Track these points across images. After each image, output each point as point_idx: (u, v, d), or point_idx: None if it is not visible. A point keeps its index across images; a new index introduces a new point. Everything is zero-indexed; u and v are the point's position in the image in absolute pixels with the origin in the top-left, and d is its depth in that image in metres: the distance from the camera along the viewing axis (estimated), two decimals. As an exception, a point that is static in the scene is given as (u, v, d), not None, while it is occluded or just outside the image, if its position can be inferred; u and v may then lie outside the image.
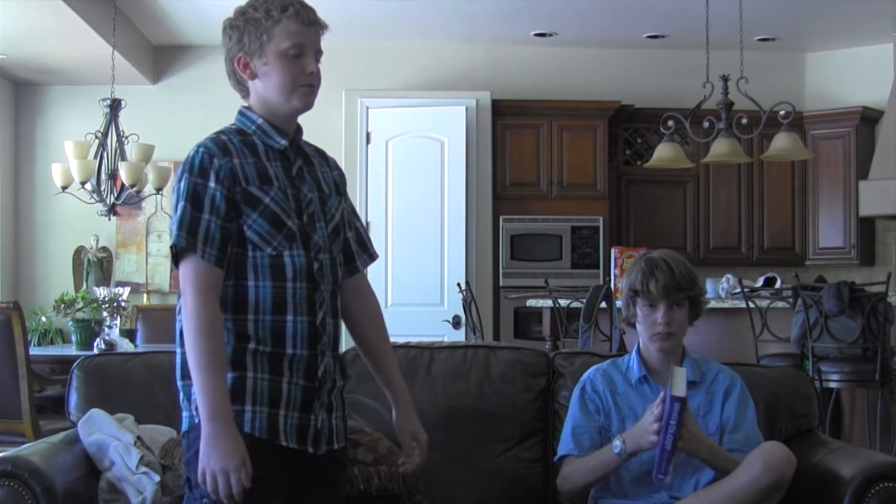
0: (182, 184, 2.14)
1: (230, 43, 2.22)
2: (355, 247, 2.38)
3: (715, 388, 2.79)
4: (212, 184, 2.12)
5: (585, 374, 2.89)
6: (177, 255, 2.13)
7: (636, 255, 2.96)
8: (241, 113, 2.27)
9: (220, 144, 2.17)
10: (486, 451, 3.06)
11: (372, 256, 2.44)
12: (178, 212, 2.13)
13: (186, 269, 2.12)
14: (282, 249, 2.16)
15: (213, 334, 2.08)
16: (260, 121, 2.23)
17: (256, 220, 2.15)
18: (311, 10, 2.23)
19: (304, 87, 2.21)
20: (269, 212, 2.16)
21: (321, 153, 2.37)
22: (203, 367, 2.05)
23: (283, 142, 2.23)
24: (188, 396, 2.15)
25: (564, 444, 2.82)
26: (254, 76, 2.21)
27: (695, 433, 2.60)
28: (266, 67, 2.20)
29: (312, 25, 2.22)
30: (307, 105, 2.23)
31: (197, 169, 2.13)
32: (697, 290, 2.79)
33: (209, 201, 2.12)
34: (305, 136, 2.32)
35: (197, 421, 2.12)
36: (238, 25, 2.21)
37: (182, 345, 2.14)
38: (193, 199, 2.12)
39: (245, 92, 2.26)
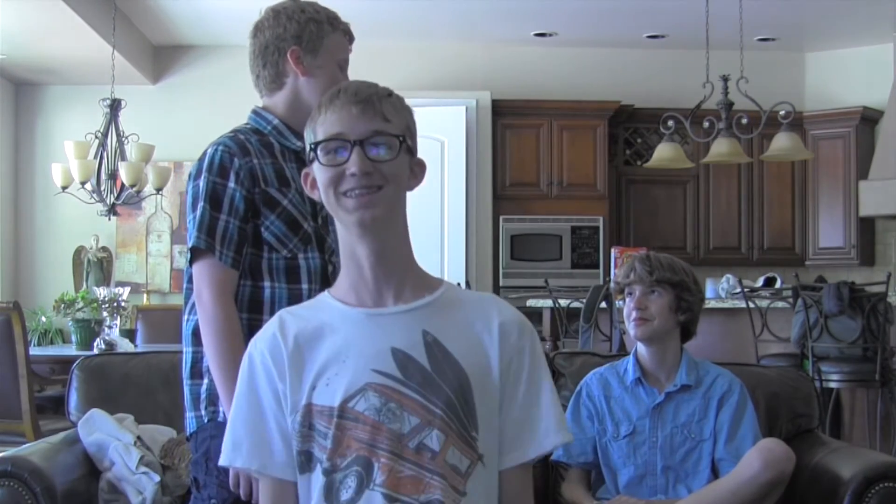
0: (201, 183, 2.11)
1: (283, 33, 2.20)
2: None
3: (711, 394, 2.77)
4: (231, 184, 2.10)
5: (583, 380, 2.90)
6: (192, 256, 2.12)
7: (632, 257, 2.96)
8: (255, 112, 2.26)
9: (239, 143, 2.15)
10: (486, 451, 3.05)
11: None
12: (198, 212, 2.10)
13: (202, 270, 2.09)
14: (297, 252, 2.15)
15: (234, 337, 2.06)
16: (276, 121, 2.22)
17: (274, 223, 2.13)
18: None
19: None
20: (287, 214, 2.14)
21: None
22: (227, 371, 2.02)
23: (299, 143, 2.21)
24: (196, 397, 2.14)
25: (557, 449, 2.86)
26: (306, 72, 2.21)
27: None
28: (319, 70, 2.21)
29: (350, 47, 2.29)
30: None
31: (217, 168, 2.11)
32: (678, 278, 2.74)
33: (228, 201, 2.10)
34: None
35: (206, 421, 2.11)
36: (298, 20, 2.20)
37: (193, 344, 2.14)
38: (213, 199, 2.10)
39: (277, 85, 2.23)
